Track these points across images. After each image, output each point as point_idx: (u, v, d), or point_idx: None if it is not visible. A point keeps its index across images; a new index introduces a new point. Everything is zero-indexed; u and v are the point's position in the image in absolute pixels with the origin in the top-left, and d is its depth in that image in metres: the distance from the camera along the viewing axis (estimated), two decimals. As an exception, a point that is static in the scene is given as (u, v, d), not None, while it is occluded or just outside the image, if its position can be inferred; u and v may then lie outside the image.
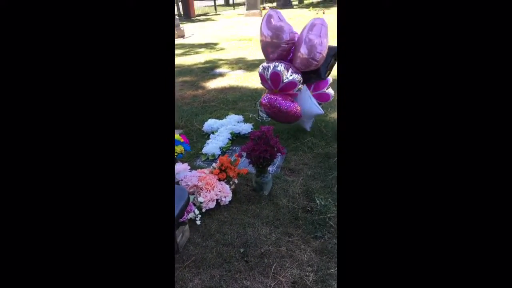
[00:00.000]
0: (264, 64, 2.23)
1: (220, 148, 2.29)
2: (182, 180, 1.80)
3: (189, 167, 1.89)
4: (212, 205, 1.66)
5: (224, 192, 1.72)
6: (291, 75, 2.13)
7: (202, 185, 1.71)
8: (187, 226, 1.52)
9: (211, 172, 1.85)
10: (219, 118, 2.76)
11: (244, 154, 1.74)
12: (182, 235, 1.47)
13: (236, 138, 2.48)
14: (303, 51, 2.05)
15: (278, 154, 1.72)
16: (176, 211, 0.69)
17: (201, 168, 2.03)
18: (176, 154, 1.98)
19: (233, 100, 3.27)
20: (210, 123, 2.60)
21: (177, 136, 2.03)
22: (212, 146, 2.28)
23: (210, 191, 1.69)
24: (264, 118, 2.71)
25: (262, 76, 2.28)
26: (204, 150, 2.27)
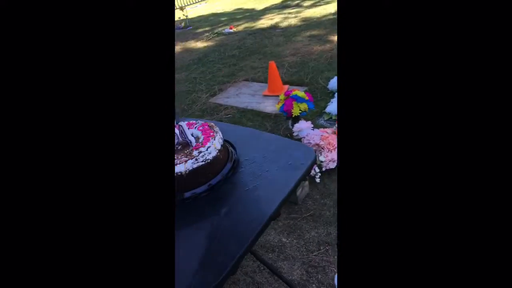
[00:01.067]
0: None
1: (345, 107, 2.19)
2: (304, 137, 1.84)
3: (312, 125, 1.91)
4: (332, 165, 1.66)
5: (346, 154, 1.67)
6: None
7: (324, 145, 1.71)
8: (307, 182, 1.58)
9: (334, 133, 1.82)
10: (347, 75, 2.59)
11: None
12: (301, 189, 1.55)
13: (364, 98, 2.29)
14: None
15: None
16: (304, 169, 0.72)
17: (324, 127, 2.02)
18: (300, 111, 2.03)
19: (364, 55, 2.97)
20: (336, 81, 2.49)
21: (302, 93, 2.05)
22: (336, 106, 2.20)
23: (331, 151, 1.68)
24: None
25: None
26: (328, 109, 2.22)
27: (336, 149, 1.68)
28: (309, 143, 1.78)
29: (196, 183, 0.74)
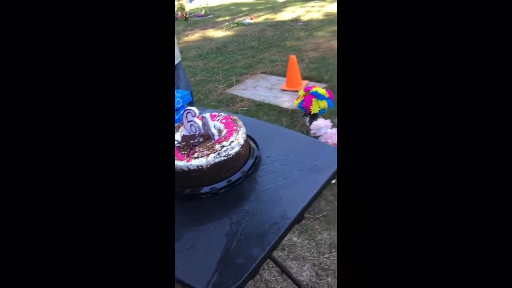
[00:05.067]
0: None
1: (365, 108, 2.13)
2: (321, 136, 1.80)
3: (331, 124, 1.86)
4: (349, 167, 1.62)
5: (364, 156, 1.63)
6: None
7: (342, 145, 1.67)
8: (322, 182, 1.55)
9: (353, 133, 1.77)
10: (369, 74, 2.52)
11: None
12: (316, 189, 1.52)
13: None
14: None
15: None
16: (330, 173, 0.69)
17: (342, 127, 1.97)
18: (319, 109, 1.98)
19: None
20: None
21: (322, 90, 2.00)
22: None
23: (349, 153, 1.64)
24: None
25: None
26: (348, 109, 2.17)
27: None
28: (326, 142, 1.74)
29: (216, 178, 0.72)
